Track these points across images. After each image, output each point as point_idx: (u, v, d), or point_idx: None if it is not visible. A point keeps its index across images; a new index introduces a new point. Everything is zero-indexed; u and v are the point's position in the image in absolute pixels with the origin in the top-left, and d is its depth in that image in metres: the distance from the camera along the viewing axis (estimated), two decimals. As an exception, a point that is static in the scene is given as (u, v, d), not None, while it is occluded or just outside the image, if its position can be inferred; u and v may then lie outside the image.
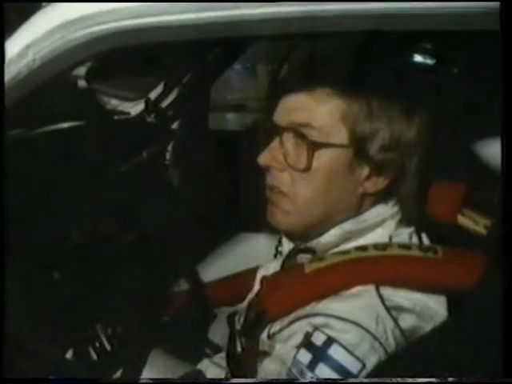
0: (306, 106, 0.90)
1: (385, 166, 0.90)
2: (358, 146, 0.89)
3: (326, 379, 0.82)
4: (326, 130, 0.89)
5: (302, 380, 0.82)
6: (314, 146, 0.89)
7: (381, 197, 0.94)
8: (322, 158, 0.89)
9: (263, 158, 0.93)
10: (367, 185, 0.91)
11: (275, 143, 0.92)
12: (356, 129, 0.89)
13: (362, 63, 0.96)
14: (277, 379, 0.86)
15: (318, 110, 0.89)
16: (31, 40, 0.81)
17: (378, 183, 0.91)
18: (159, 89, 1.56)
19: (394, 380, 0.77)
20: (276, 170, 0.93)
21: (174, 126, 1.63)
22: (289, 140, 0.91)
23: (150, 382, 1.16)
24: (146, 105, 1.54)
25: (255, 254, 1.56)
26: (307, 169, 0.89)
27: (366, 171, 0.91)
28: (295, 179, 0.91)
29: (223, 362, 1.11)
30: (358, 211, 0.93)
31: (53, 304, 1.17)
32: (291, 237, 0.99)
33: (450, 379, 0.77)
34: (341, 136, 0.89)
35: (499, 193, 0.88)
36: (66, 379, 1.09)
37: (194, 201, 1.71)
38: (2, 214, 0.87)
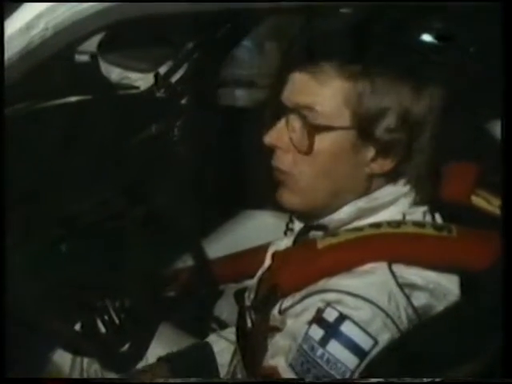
0: (310, 89, 0.89)
1: (391, 147, 0.88)
2: (362, 127, 0.88)
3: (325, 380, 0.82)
4: (328, 113, 0.88)
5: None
6: (315, 129, 0.88)
7: (392, 176, 0.92)
8: (325, 140, 0.88)
9: (269, 138, 0.92)
10: (373, 166, 0.90)
11: (281, 124, 0.91)
12: (359, 110, 0.87)
13: (369, 41, 0.95)
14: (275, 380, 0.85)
15: (321, 93, 0.88)
16: (43, 9, 0.80)
17: (385, 165, 0.90)
18: (169, 63, 1.55)
19: (396, 380, 0.77)
20: (281, 150, 0.92)
21: (184, 101, 1.62)
22: (294, 121, 0.90)
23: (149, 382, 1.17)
24: (156, 79, 1.52)
25: (259, 232, 1.56)
26: (308, 152, 0.89)
27: (371, 152, 0.89)
28: (298, 161, 0.90)
29: (232, 336, 1.12)
30: (367, 191, 0.92)
31: (63, 278, 1.17)
32: (300, 217, 0.99)
33: (449, 379, 0.77)
34: (343, 118, 0.88)
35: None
36: (65, 379, 1.10)
37: (202, 177, 1.71)
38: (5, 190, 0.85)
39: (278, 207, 0.99)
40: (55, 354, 1.22)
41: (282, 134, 0.91)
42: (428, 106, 0.89)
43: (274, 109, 0.94)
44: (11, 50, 0.80)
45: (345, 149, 0.88)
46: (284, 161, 0.92)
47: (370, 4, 0.85)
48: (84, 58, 1.52)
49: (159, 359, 1.16)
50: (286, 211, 1.01)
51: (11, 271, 0.84)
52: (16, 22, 0.80)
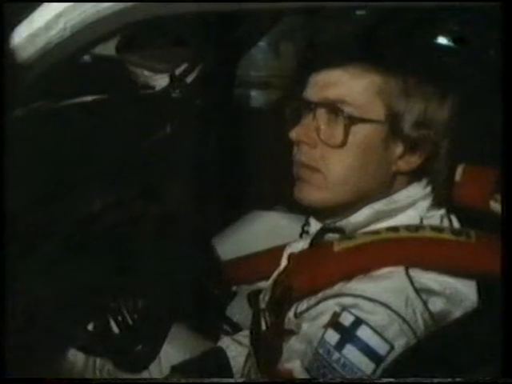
0: (341, 82, 0.89)
1: (419, 143, 0.89)
2: (393, 122, 0.88)
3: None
4: (362, 106, 0.88)
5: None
6: (351, 121, 0.87)
7: (412, 178, 0.92)
8: (358, 133, 0.88)
9: (296, 134, 0.91)
10: (401, 163, 0.90)
11: (308, 119, 0.91)
12: (392, 105, 0.88)
13: (385, 43, 0.95)
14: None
15: (354, 85, 0.88)
16: (62, 9, 0.80)
17: (412, 162, 0.90)
18: (184, 64, 1.55)
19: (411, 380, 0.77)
20: (307, 146, 0.91)
21: (198, 101, 1.62)
22: (322, 116, 0.90)
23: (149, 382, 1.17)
24: (171, 80, 1.53)
25: (271, 233, 1.56)
26: (342, 144, 0.88)
27: (400, 149, 0.90)
28: (327, 155, 0.90)
29: (245, 340, 1.11)
30: (389, 191, 0.92)
31: (76, 279, 1.17)
32: (320, 215, 0.97)
33: (449, 379, 0.76)
34: (377, 111, 0.88)
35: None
36: (65, 379, 1.10)
37: (215, 177, 1.71)
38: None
39: (292, 207, 0.97)
40: (68, 354, 1.22)
41: (308, 130, 0.90)
42: (450, 111, 0.90)
43: (294, 106, 0.94)
44: (30, 50, 0.80)
45: (376, 144, 0.89)
46: (311, 156, 0.91)
47: (383, 5, 0.85)
48: (98, 58, 1.52)
49: (173, 368, 1.15)
50: (304, 208, 0.99)
51: (25, 273, 0.84)
52: (35, 22, 0.80)
